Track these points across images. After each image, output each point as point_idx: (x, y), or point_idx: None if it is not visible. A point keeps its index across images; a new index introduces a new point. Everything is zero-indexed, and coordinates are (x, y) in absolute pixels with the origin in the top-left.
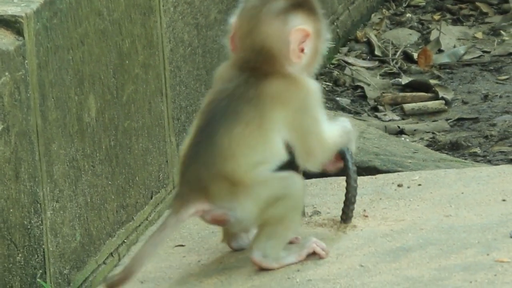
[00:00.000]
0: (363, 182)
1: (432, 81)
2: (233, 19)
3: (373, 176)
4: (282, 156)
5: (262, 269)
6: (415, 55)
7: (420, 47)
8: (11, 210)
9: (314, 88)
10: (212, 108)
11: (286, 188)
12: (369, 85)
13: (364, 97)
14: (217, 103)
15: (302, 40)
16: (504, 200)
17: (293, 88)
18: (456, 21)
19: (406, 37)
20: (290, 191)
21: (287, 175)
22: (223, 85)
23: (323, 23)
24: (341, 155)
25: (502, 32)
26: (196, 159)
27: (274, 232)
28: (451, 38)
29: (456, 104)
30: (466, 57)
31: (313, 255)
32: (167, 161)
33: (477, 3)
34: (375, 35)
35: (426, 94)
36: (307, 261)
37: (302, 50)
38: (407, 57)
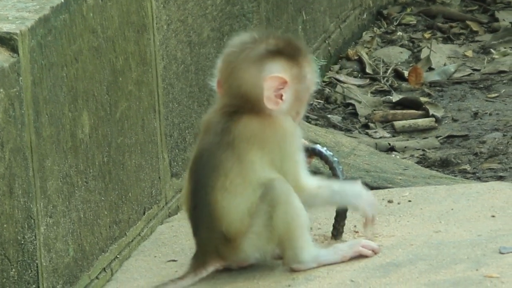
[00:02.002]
0: None
1: (423, 99)
2: (218, 63)
3: None
4: None
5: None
6: (406, 73)
7: (410, 65)
8: (4, 226)
9: (292, 129)
10: (197, 166)
11: (271, 201)
12: (360, 102)
13: (355, 114)
14: (200, 159)
15: (279, 87)
16: (493, 216)
17: (269, 129)
18: (447, 40)
19: (397, 55)
20: (276, 200)
21: (265, 190)
22: (205, 136)
23: (307, 69)
24: (331, 170)
25: (492, 50)
26: (199, 223)
27: (290, 238)
28: (441, 56)
29: (446, 121)
30: (456, 75)
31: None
32: (159, 178)
33: (467, 22)
34: (366, 53)
35: (416, 111)
36: (298, 276)
37: (280, 97)
38: (398, 75)
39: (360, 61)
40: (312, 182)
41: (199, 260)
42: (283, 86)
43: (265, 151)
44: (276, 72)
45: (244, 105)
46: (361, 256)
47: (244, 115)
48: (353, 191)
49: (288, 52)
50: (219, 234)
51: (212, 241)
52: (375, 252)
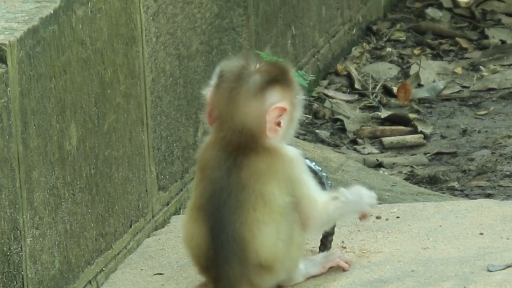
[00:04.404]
0: None
1: (411, 115)
2: (208, 92)
3: None
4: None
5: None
6: (395, 89)
7: (399, 81)
8: None
9: (295, 156)
10: (214, 204)
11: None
12: (348, 118)
13: (343, 130)
14: (217, 198)
15: (279, 116)
16: (481, 234)
17: (277, 161)
18: (436, 56)
19: (386, 71)
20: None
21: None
22: (214, 174)
23: (298, 93)
24: (320, 185)
25: (481, 67)
26: (228, 261)
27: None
28: (430, 73)
29: (434, 138)
30: (446, 92)
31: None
32: (146, 190)
33: (457, 39)
34: (355, 69)
35: (405, 128)
36: None
37: (278, 124)
38: (387, 91)
39: (349, 76)
40: (326, 197)
41: None
42: (282, 114)
43: (280, 181)
44: (277, 101)
45: (249, 141)
46: (348, 272)
47: (250, 152)
48: (362, 196)
49: (280, 77)
50: (254, 266)
51: (247, 274)
52: (348, 264)
